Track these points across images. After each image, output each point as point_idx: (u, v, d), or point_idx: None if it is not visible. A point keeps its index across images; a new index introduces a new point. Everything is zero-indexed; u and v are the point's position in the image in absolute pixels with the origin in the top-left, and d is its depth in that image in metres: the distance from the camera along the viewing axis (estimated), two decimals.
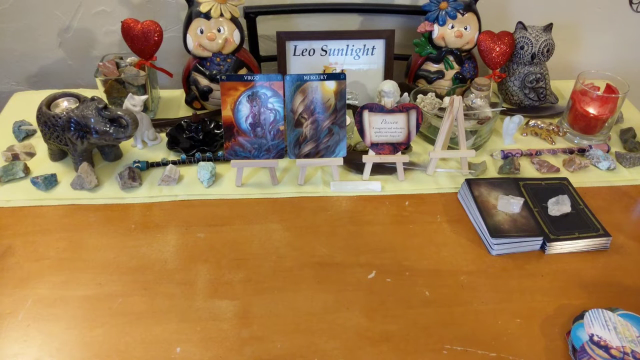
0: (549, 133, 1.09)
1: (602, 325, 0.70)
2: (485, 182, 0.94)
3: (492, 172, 1.01)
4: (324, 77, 0.92)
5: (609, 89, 1.05)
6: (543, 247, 0.85)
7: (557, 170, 1.02)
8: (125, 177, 0.93)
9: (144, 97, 0.99)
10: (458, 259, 0.83)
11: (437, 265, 0.82)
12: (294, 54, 1.14)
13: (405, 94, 1.11)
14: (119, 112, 0.89)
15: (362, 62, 1.17)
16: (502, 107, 1.06)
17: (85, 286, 0.77)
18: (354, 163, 0.99)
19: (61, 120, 0.90)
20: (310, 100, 0.92)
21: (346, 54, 1.16)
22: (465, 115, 0.99)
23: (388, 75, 1.17)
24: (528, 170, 1.02)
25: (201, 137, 1.04)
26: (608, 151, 1.07)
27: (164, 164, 0.99)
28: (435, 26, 1.13)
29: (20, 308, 0.74)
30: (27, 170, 0.96)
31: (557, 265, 0.83)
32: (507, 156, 1.04)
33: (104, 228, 0.87)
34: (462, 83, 1.16)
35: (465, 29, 1.12)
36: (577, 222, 0.87)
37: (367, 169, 0.97)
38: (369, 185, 0.97)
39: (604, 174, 1.02)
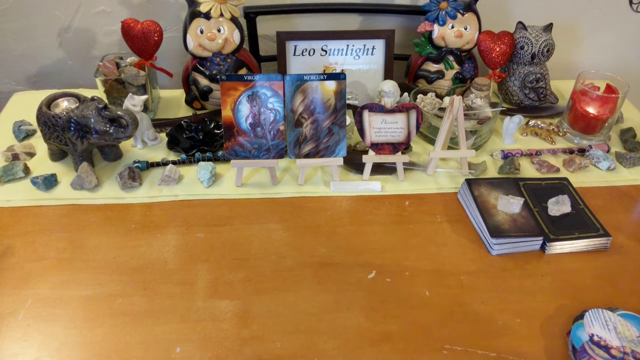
0: (549, 133, 1.09)
1: (602, 325, 0.70)
2: (485, 182, 0.94)
3: (492, 172, 1.01)
4: (324, 77, 0.92)
5: (609, 89, 1.05)
6: (543, 247, 0.85)
7: (557, 170, 1.02)
8: (125, 177, 0.93)
9: (144, 97, 0.99)
10: (458, 259, 0.83)
11: (437, 265, 0.82)
12: (294, 54, 1.14)
13: (405, 94, 1.11)
14: (119, 112, 0.89)
15: (362, 62, 1.17)
16: (502, 107, 1.06)
17: (85, 286, 0.77)
18: (354, 163, 0.99)
19: (61, 120, 0.90)
20: (310, 100, 0.92)
21: (346, 54, 1.16)
22: (465, 115, 0.99)
23: (388, 75, 1.17)
24: (528, 170, 1.02)
25: (201, 137, 1.04)
26: (608, 151, 1.07)
27: (164, 164, 0.99)
28: (435, 26, 1.13)
29: (20, 308, 0.74)
30: (27, 170, 0.96)
31: (557, 265, 0.83)
32: (507, 156, 1.04)
33: (104, 228, 0.87)
34: (462, 83, 1.16)
35: (465, 29, 1.12)
36: (577, 222, 0.87)
37: (367, 169, 0.97)
38: (369, 185, 0.96)
39: (604, 174, 1.02)
